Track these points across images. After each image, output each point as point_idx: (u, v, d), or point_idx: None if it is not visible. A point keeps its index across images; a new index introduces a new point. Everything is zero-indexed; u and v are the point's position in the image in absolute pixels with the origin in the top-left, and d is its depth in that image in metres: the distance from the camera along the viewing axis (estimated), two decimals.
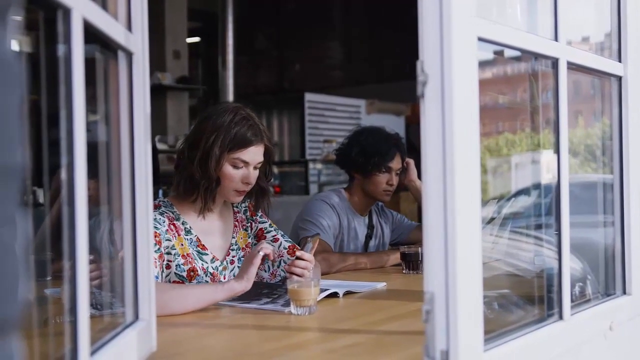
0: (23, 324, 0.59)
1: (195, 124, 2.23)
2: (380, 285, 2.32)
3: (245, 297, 2.00)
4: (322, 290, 2.02)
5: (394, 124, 5.95)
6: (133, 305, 1.35)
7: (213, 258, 2.22)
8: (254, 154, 2.18)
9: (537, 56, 1.52)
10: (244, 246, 2.34)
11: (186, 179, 2.18)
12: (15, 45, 0.60)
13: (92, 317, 1.04)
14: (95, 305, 1.27)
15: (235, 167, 2.17)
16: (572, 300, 1.52)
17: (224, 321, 1.81)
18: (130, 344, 1.26)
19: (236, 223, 2.35)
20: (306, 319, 1.81)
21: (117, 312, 1.36)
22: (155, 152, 5.27)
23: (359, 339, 1.62)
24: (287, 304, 1.89)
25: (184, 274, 2.13)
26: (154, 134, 6.63)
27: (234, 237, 2.32)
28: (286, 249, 2.32)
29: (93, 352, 1.07)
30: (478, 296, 1.20)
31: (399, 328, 1.73)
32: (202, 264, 2.19)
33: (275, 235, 2.36)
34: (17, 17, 0.61)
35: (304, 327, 1.75)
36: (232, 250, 2.31)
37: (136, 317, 1.35)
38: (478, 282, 1.20)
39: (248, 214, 2.38)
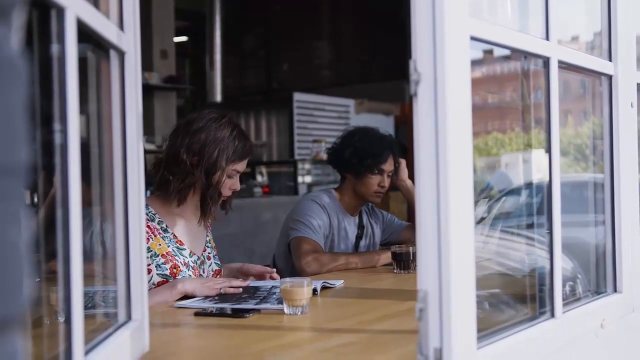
0: (25, 322, 0.59)
1: (188, 132, 2.22)
2: (339, 283, 2.32)
3: (236, 299, 2.00)
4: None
5: (383, 124, 5.94)
6: (126, 306, 1.34)
7: (190, 252, 2.28)
8: (245, 164, 2.30)
9: (528, 55, 1.53)
10: (214, 245, 2.44)
11: (188, 187, 2.22)
12: (18, 44, 0.60)
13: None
14: (86, 305, 1.26)
15: (230, 177, 2.25)
16: (563, 299, 1.52)
17: (215, 321, 1.80)
18: (124, 344, 1.25)
19: (208, 224, 2.43)
20: (298, 318, 1.80)
21: (109, 312, 1.36)
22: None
23: (352, 338, 1.62)
24: (281, 302, 1.88)
25: (167, 272, 2.16)
26: None
27: (207, 236, 2.41)
28: (213, 271, 2.40)
29: (87, 352, 1.06)
30: (471, 294, 1.20)
31: (392, 327, 1.73)
32: (184, 259, 2.24)
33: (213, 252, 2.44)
34: (20, 17, 0.61)
35: (296, 326, 1.75)
36: (208, 247, 2.39)
37: (129, 317, 1.34)
38: (471, 280, 1.20)
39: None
